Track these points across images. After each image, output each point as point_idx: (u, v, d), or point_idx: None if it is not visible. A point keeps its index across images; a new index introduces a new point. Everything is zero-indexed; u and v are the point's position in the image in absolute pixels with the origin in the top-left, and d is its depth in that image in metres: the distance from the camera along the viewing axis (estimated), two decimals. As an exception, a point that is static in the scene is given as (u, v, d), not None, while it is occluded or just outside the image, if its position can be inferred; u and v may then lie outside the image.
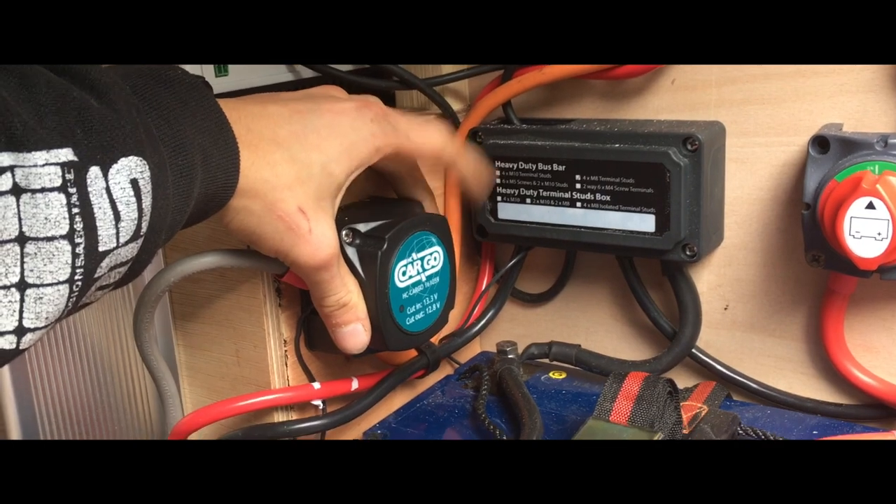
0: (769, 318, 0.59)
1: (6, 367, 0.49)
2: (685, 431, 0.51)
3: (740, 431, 0.53)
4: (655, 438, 0.46)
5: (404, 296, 0.51)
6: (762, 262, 0.58)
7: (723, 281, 0.60)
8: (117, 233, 0.33)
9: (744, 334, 0.60)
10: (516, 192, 0.60)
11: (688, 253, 0.55)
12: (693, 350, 0.60)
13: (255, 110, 0.44)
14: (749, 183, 0.57)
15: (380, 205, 0.54)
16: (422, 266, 0.52)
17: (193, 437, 0.53)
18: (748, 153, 0.56)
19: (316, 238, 0.44)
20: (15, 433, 0.50)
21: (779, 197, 0.56)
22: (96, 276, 0.33)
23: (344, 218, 0.49)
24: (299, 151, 0.44)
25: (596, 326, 0.66)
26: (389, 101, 0.67)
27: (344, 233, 0.49)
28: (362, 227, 0.49)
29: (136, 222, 0.34)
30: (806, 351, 0.58)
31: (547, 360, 0.63)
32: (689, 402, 0.56)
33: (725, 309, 0.60)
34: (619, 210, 0.56)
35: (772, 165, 0.55)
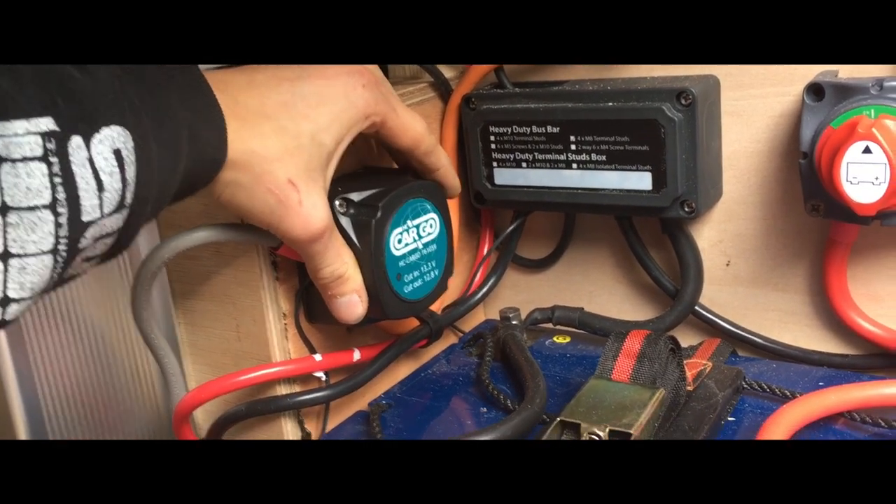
0: (771, 271, 0.58)
1: (7, 353, 0.49)
2: (689, 388, 0.51)
3: (745, 385, 0.52)
4: (657, 395, 0.46)
5: (401, 263, 0.50)
6: (762, 216, 0.57)
7: (723, 237, 0.59)
8: (101, 203, 0.33)
9: (747, 290, 0.59)
10: (512, 156, 0.60)
11: (686, 209, 0.55)
12: (696, 308, 0.60)
13: (242, 81, 0.43)
14: (746, 136, 0.56)
15: (373, 174, 0.53)
16: (417, 233, 0.51)
17: (197, 413, 0.53)
18: (744, 105, 0.55)
19: (307, 210, 0.44)
20: (20, 418, 0.50)
21: (776, 148, 0.55)
22: (81, 246, 0.33)
23: (337, 188, 0.48)
24: (288, 121, 0.44)
25: (598, 289, 0.66)
26: (381, 68, 0.67)
27: (337, 202, 0.48)
28: (355, 196, 0.49)
29: (120, 193, 0.34)
30: (810, 303, 0.57)
31: (551, 325, 0.63)
32: (694, 359, 0.55)
33: (727, 265, 0.60)
34: (615, 169, 0.56)
35: (768, 117, 0.55)
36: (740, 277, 0.59)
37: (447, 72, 0.64)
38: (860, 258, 0.55)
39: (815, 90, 0.49)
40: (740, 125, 0.56)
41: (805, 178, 0.50)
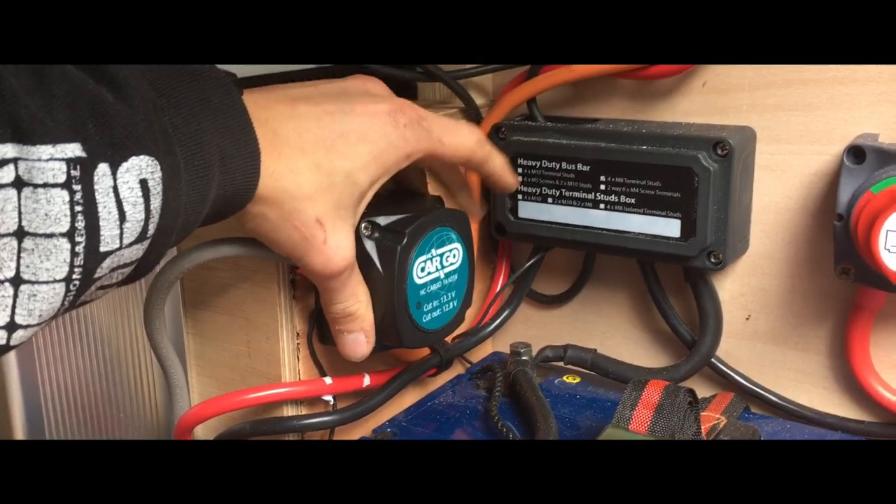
0: (792, 330, 0.57)
1: (12, 354, 0.48)
2: (704, 443, 0.50)
3: (760, 445, 0.51)
4: (676, 450, 0.44)
5: (422, 292, 0.49)
6: (788, 273, 0.56)
7: (746, 290, 0.58)
8: (121, 234, 0.32)
9: (765, 346, 0.58)
10: (538, 190, 0.59)
11: (713, 260, 0.54)
12: (712, 359, 0.59)
13: (285, 110, 0.42)
14: (778, 191, 0.55)
15: (400, 197, 0.52)
16: (441, 263, 0.50)
17: (199, 429, 0.52)
18: (779, 160, 0.55)
19: (330, 249, 0.43)
20: (19, 421, 0.49)
21: (808, 207, 0.54)
22: (96, 276, 0.32)
23: (363, 210, 0.47)
24: (324, 158, 0.43)
25: (612, 331, 0.65)
26: (412, 91, 0.66)
27: (363, 225, 0.47)
28: (382, 221, 0.48)
29: (142, 224, 0.33)
30: (829, 366, 0.57)
31: (561, 364, 0.62)
32: (707, 412, 0.54)
33: (747, 319, 0.59)
34: (643, 213, 0.55)
35: (803, 174, 0.54)
36: (759, 333, 0.58)
37: (478, 99, 0.63)
38: (884, 325, 0.54)
39: (856, 153, 0.48)
40: (773, 180, 0.55)
41: (838, 241, 0.50)
